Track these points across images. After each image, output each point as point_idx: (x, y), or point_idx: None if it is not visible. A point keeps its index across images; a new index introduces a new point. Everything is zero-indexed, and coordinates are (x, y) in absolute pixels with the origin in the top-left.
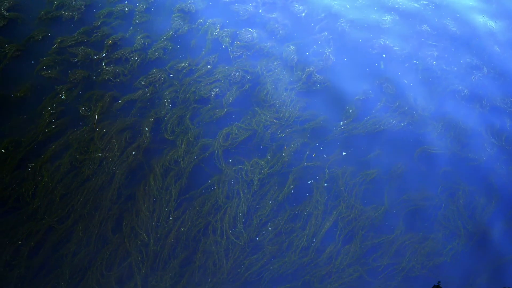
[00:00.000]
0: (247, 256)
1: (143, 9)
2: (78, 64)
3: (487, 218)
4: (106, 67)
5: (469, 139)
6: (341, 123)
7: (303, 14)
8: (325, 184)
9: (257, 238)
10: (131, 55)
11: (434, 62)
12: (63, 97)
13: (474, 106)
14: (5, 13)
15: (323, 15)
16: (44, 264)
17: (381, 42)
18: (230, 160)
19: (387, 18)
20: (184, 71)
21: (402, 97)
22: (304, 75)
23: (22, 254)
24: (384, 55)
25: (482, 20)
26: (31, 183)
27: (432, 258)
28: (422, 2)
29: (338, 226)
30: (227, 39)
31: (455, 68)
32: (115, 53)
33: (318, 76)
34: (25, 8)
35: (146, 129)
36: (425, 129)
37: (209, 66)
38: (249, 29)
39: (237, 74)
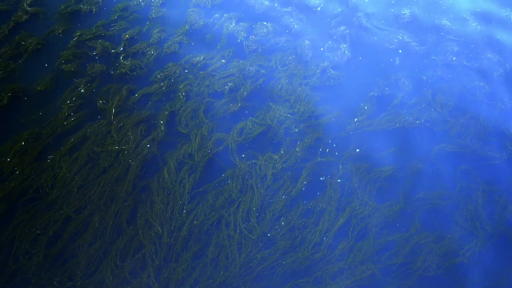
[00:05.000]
0: (259, 250)
1: (159, 4)
2: (97, 57)
3: (507, 219)
4: (123, 61)
5: (490, 138)
6: (356, 119)
7: (319, 8)
8: (339, 180)
9: (268, 235)
10: (148, 49)
11: (454, 58)
12: (82, 90)
13: (496, 104)
14: (27, 8)
15: (339, 9)
16: (61, 253)
17: (399, 37)
18: (244, 155)
19: (406, 12)
20: (199, 65)
21: (419, 94)
22: (318, 70)
23: (40, 243)
24: (400, 51)
25: (505, 15)
26: (50, 174)
27: (448, 258)
28: None
29: (352, 223)
30: (242, 33)
31: (476, 64)
32: (132, 47)
33: (332, 71)
34: (46, 3)
35: (161, 122)
36: (444, 126)
37: (223, 60)
38: (264, 23)
39: (251, 68)
